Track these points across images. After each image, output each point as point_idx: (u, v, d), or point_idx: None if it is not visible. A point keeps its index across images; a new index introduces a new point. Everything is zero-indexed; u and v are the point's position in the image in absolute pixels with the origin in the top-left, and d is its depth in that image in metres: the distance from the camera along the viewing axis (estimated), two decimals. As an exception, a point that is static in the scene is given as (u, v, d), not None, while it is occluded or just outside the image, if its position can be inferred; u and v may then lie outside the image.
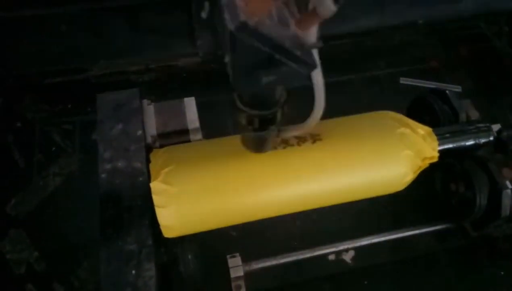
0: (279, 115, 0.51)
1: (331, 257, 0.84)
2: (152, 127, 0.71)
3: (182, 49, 1.04)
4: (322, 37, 0.40)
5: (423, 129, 0.71)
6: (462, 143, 0.75)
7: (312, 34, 0.39)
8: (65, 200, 0.90)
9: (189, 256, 0.69)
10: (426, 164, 0.70)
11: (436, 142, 0.70)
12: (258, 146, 0.60)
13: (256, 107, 0.49)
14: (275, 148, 0.65)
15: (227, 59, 0.41)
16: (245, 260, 0.73)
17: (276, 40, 0.36)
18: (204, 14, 0.41)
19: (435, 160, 0.71)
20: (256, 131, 0.53)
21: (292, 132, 0.59)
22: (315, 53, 0.41)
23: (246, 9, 0.35)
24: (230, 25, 0.35)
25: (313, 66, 0.40)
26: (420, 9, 1.09)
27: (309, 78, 0.47)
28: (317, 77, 0.47)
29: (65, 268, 0.82)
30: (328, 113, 0.58)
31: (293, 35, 0.38)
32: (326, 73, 0.55)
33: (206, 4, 0.42)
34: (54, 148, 0.96)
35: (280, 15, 0.37)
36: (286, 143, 0.66)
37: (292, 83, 0.43)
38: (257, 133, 0.54)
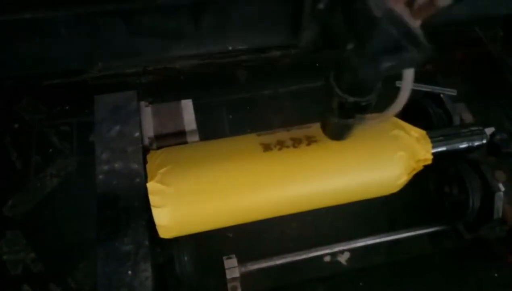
0: (372, 103, 0.53)
1: (327, 258, 0.85)
2: (149, 129, 0.72)
3: (180, 52, 1.05)
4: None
5: (416, 132, 0.71)
6: (456, 146, 0.75)
7: (419, 24, 0.42)
8: (62, 201, 0.90)
9: (185, 257, 0.69)
10: (420, 166, 0.71)
11: (430, 145, 0.71)
12: (341, 133, 0.61)
13: (355, 94, 0.51)
14: (270, 149, 0.66)
15: (348, 46, 0.45)
16: (241, 261, 0.73)
17: (408, 27, 0.40)
18: (322, 5, 0.45)
19: (429, 162, 0.72)
20: (345, 118, 0.56)
21: (372, 121, 0.59)
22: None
23: None
24: (377, 11, 0.39)
25: (430, 51, 0.43)
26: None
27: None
28: (410, 70, 0.49)
29: (61, 269, 0.82)
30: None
31: (414, 24, 0.41)
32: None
33: None
34: (51, 149, 0.97)
35: (406, 5, 0.41)
36: (281, 145, 0.67)
37: (407, 68, 0.47)
38: (343, 120, 0.56)
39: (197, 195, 0.62)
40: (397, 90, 0.51)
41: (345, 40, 0.46)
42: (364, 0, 0.40)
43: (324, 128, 0.63)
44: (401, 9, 0.40)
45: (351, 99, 0.52)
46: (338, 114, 0.56)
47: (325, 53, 0.49)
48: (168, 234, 0.63)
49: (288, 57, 1.13)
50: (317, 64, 1.10)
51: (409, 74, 0.49)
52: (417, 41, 0.41)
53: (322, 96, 0.56)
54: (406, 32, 0.41)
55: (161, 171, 0.62)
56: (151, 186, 0.61)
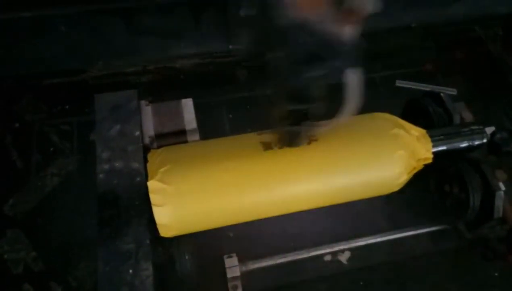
0: (315, 110, 0.53)
1: (327, 257, 0.85)
2: (149, 128, 0.72)
3: (180, 51, 1.05)
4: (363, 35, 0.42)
5: (417, 131, 0.71)
6: (456, 145, 0.75)
7: (351, 31, 0.41)
8: (63, 200, 0.90)
9: (186, 256, 0.69)
10: (420, 165, 0.71)
11: (430, 144, 0.71)
12: (291, 140, 0.61)
13: (294, 102, 0.51)
14: (271, 148, 0.66)
15: (270, 55, 0.44)
16: (242, 260, 0.73)
17: (322, 37, 0.39)
18: (243, 12, 0.44)
19: (429, 161, 0.72)
20: (291, 126, 0.55)
21: (323, 127, 0.59)
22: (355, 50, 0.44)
23: (297, 6, 0.37)
24: (282, 20, 0.37)
25: (354, 63, 0.42)
26: (414, 13, 1.10)
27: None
28: (351, 74, 0.48)
29: (62, 268, 0.82)
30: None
31: (336, 32, 0.40)
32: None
33: (246, 2, 0.44)
34: (52, 149, 0.97)
35: (325, 12, 0.40)
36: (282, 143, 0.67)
37: (332, 79, 0.46)
38: (291, 128, 0.56)
39: (198, 193, 0.62)
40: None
41: (272, 48, 0.44)
42: (272, 10, 0.39)
43: (278, 137, 0.63)
44: (316, 17, 0.38)
45: (292, 106, 0.51)
46: (285, 122, 0.55)
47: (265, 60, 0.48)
48: (168, 233, 0.63)
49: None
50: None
51: (352, 78, 0.48)
52: (335, 50, 0.40)
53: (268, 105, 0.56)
54: (322, 41, 0.39)
55: (162, 169, 0.62)
56: (151, 184, 0.61)
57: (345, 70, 0.44)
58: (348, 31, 0.40)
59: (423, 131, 0.72)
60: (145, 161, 0.66)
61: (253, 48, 0.50)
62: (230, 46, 1.03)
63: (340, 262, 0.85)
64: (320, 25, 0.38)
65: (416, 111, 0.84)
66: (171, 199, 0.61)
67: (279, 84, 0.50)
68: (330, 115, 0.55)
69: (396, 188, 0.70)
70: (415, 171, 0.71)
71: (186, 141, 0.72)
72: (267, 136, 0.67)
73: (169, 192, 0.61)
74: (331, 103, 0.53)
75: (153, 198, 0.61)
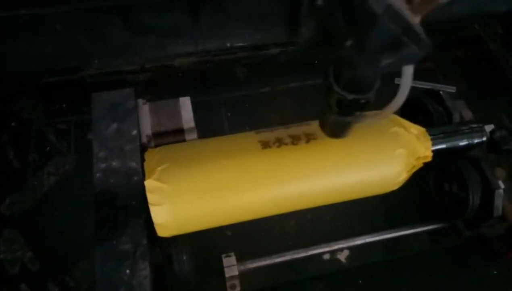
0: (371, 101, 0.53)
1: (326, 256, 0.85)
2: (147, 126, 0.71)
3: (178, 49, 1.04)
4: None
5: (416, 129, 0.71)
6: (456, 143, 0.75)
7: (418, 20, 0.41)
8: (60, 199, 0.90)
9: (184, 256, 0.69)
10: (420, 163, 0.71)
11: (430, 142, 0.71)
12: (340, 130, 0.61)
13: (355, 91, 0.51)
14: (269, 146, 0.65)
15: (348, 43, 0.44)
16: (240, 259, 0.73)
17: (409, 23, 0.40)
18: (320, 1, 0.45)
19: (429, 159, 0.71)
20: (344, 116, 0.55)
21: (371, 118, 0.58)
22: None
23: None
24: (377, 7, 0.38)
25: (429, 48, 0.42)
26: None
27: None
28: (410, 67, 0.48)
29: (59, 268, 0.82)
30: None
31: (414, 20, 0.41)
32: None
33: None
34: (49, 148, 0.96)
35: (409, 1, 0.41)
36: (280, 142, 0.66)
37: (405, 65, 0.47)
38: (342, 118, 0.56)
39: (195, 193, 0.62)
40: (395, 87, 0.51)
41: (344, 37, 0.45)
42: None
43: (323, 126, 0.63)
44: (401, 5, 0.40)
45: (350, 96, 0.52)
46: (336, 112, 0.55)
47: (324, 50, 0.48)
48: (166, 233, 0.63)
49: (287, 55, 1.13)
50: (316, 62, 1.10)
51: (408, 71, 0.48)
52: (417, 37, 0.41)
53: (322, 94, 0.56)
54: (406, 29, 0.40)
55: (159, 168, 0.62)
56: (149, 183, 0.61)
57: (416, 60, 0.44)
58: (422, 20, 0.42)
59: (423, 129, 0.72)
60: (143, 160, 0.65)
61: (317, 38, 0.50)
62: (228, 44, 1.03)
63: (338, 260, 0.85)
64: (404, 13, 0.40)
65: (416, 110, 0.84)
66: (168, 198, 0.61)
67: (342, 73, 0.50)
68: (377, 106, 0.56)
69: (395, 187, 0.70)
70: (414, 169, 0.71)
71: (184, 140, 0.72)
72: (265, 135, 0.67)
73: (167, 191, 0.60)
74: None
75: (150, 197, 0.60)
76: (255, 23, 1.02)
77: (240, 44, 1.06)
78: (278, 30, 1.03)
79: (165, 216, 0.61)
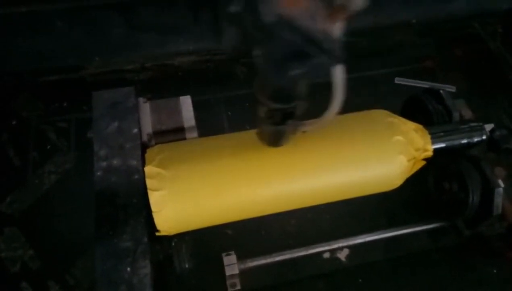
0: (298, 109, 0.52)
1: (326, 255, 0.85)
2: (147, 125, 0.71)
3: (179, 48, 1.04)
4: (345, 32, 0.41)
5: (413, 124, 0.71)
6: (455, 142, 0.75)
7: (338, 28, 0.40)
8: (60, 198, 0.89)
9: (184, 254, 0.69)
10: (420, 155, 0.71)
11: (428, 136, 0.71)
12: (275, 139, 0.61)
13: (278, 101, 0.50)
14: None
15: (256, 52, 0.43)
16: (240, 258, 0.73)
17: (308, 33, 0.38)
18: (232, 8, 0.43)
19: (429, 153, 0.72)
20: (275, 125, 0.54)
21: (308, 126, 0.59)
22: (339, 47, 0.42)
23: (281, 2, 0.36)
24: (267, 17, 0.36)
25: (340, 60, 0.41)
26: (414, 9, 1.10)
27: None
28: (338, 71, 0.48)
29: (60, 266, 0.81)
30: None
31: (321, 28, 0.39)
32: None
33: None
34: (49, 146, 0.96)
35: (310, 9, 0.39)
36: None
37: (318, 76, 0.44)
38: (275, 127, 0.55)
39: (195, 179, 0.62)
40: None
41: (255, 45, 0.43)
42: (256, 6, 0.37)
43: (260, 136, 0.62)
44: (301, 14, 0.37)
45: (275, 106, 0.51)
46: (269, 121, 0.54)
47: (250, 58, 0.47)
48: (165, 224, 0.62)
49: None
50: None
51: (337, 77, 0.47)
52: (321, 47, 0.39)
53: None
54: (307, 38, 0.38)
55: (160, 156, 0.63)
56: (148, 169, 0.61)
57: (331, 68, 0.43)
58: (335, 28, 0.40)
59: (420, 125, 0.72)
60: (143, 158, 0.65)
61: (240, 45, 0.49)
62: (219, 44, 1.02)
63: (338, 259, 0.85)
64: (306, 22, 0.38)
65: (416, 109, 0.84)
66: (167, 183, 0.61)
67: (263, 82, 0.50)
68: (314, 114, 0.55)
69: (398, 179, 0.70)
70: (415, 161, 0.71)
71: (184, 139, 0.72)
72: None
73: (166, 177, 0.60)
74: (313, 102, 0.53)
75: (149, 182, 0.60)
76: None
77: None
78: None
79: (164, 201, 0.60)
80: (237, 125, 1.00)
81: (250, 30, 0.42)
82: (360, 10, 0.36)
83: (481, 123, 0.78)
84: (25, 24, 0.92)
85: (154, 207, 0.60)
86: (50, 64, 1.01)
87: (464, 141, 0.76)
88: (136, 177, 0.63)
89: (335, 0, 0.37)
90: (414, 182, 0.74)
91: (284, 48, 0.39)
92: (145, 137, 0.70)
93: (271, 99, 0.50)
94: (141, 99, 0.73)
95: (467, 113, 0.82)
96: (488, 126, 0.79)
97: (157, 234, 0.63)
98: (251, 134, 0.68)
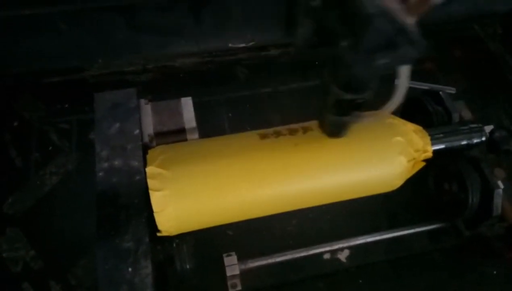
0: (368, 101, 0.53)
1: (326, 256, 0.85)
2: (149, 126, 0.72)
3: (180, 49, 1.05)
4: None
5: (412, 125, 0.72)
6: (455, 143, 0.76)
7: (413, 21, 0.42)
8: (62, 198, 0.90)
9: (186, 254, 0.69)
10: (420, 156, 0.71)
11: (428, 138, 0.72)
12: (338, 130, 0.62)
13: (351, 91, 0.51)
14: (267, 137, 0.66)
15: (342, 44, 0.45)
16: (241, 258, 0.73)
17: (401, 24, 0.40)
18: (315, 2, 0.45)
19: (429, 154, 0.72)
20: (341, 115, 0.56)
21: (367, 118, 0.59)
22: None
23: None
24: (369, 8, 0.39)
25: (424, 48, 0.43)
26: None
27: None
28: (405, 66, 0.49)
29: (61, 267, 0.82)
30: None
31: (407, 21, 0.41)
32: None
33: None
34: (51, 147, 0.97)
35: (398, 1, 0.41)
36: (278, 133, 0.68)
37: (401, 65, 0.47)
38: (339, 118, 0.56)
39: (196, 180, 0.62)
40: (393, 87, 0.51)
41: (340, 37, 0.46)
42: None
43: (322, 126, 0.63)
44: (395, 6, 0.40)
45: (347, 96, 0.52)
46: (334, 111, 0.56)
47: (320, 50, 0.48)
48: (166, 224, 0.62)
49: (287, 55, 1.13)
50: (316, 62, 1.10)
51: (405, 71, 0.49)
52: (411, 38, 0.41)
53: (320, 94, 0.57)
54: (400, 29, 0.40)
55: (161, 157, 0.63)
56: (150, 170, 0.62)
57: (413, 60, 0.45)
58: (412, 21, 0.42)
59: (420, 127, 0.73)
60: (145, 159, 0.66)
61: (312, 38, 0.50)
62: (230, 45, 1.03)
63: (339, 260, 0.85)
64: (398, 14, 0.40)
65: (416, 110, 0.84)
66: (169, 184, 0.61)
67: (339, 73, 0.51)
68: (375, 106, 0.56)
69: (398, 180, 0.70)
70: (415, 162, 0.71)
71: (185, 140, 0.72)
72: (266, 134, 0.68)
73: (167, 177, 0.61)
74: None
75: (151, 183, 0.61)
76: (253, 23, 1.03)
77: (242, 44, 1.06)
78: (274, 31, 1.03)
79: (165, 203, 0.61)
80: (237, 127, 1.00)
81: (331, 23, 0.44)
82: (440, 3, 0.39)
83: (480, 125, 0.78)
84: (28, 26, 0.92)
85: (155, 207, 0.61)
86: (52, 66, 1.01)
87: (464, 142, 0.76)
88: (137, 177, 0.64)
89: None
90: (414, 182, 0.75)
91: (376, 38, 0.41)
92: (146, 139, 0.70)
93: (344, 90, 0.51)
94: (142, 101, 0.74)
95: (467, 115, 0.83)
96: (488, 128, 0.79)
97: (158, 234, 0.64)
98: (252, 135, 0.69)
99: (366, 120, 0.59)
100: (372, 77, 0.51)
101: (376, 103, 0.56)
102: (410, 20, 0.41)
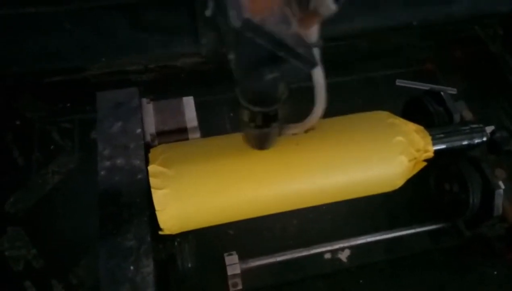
0: (280, 112, 0.52)
1: (327, 255, 0.85)
2: (151, 125, 0.72)
3: (183, 49, 1.05)
4: (322, 37, 0.41)
5: (414, 125, 0.72)
6: (456, 143, 0.76)
7: (313, 33, 0.40)
8: (64, 197, 0.90)
9: (187, 254, 0.70)
10: (421, 156, 0.71)
11: (429, 137, 0.72)
12: (260, 142, 0.61)
13: (258, 104, 0.50)
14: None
15: (230, 56, 0.42)
16: (242, 258, 0.74)
17: (278, 38, 0.37)
18: (208, 12, 0.42)
19: (430, 154, 0.72)
20: (258, 128, 0.54)
21: (293, 130, 0.59)
22: (316, 52, 0.43)
23: (250, 7, 0.35)
24: (235, 22, 0.35)
25: (314, 64, 0.41)
26: (414, 11, 1.10)
27: (310, 77, 0.48)
28: (318, 76, 0.48)
29: (63, 266, 0.82)
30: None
31: (294, 33, 0.39)
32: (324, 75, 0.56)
33: (210, 2, 0.43)
34: (53, 146, 0.97)
35: (282, 14, 0.38)
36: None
37: (293, 80, 0.44)
38: (259, 130, 0.55)
39: (197, 178, 0.63)
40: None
41: (228, 50, 0.43)
42: (225, 11, 0.37)
43: (246, 139, 0.62)
44: (273, 18, 0.37)
45: (256, 109, 0.51)
46: (253, 125, 0.54)
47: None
48: (168, 222, 0.63)
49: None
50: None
51: (318, 81, 0.47)
52: (292, 52, 0.38)
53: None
54: (278, 43, 0.37)
55: (163, 156, 0.63)
56: (152, 168, 0.62)
57: (306, 71, 0.43)
58: (310, 33, 0.40)
59: (421, 127, 0.73)
60: (147, 158, 0.66)
61: (218, 48, 0.49)
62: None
63: (340, 260, 0.85)
64: (278, 27, 0.37)
65: (417, 111, 0.84)
66: (170, 182, 0.61)
67: (241, 86, 0.50)
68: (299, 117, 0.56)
69: (399, 179, 0.70)
70: (416, 162, 0.71)
71: (187, 139, 0.72)
72: None
73: (169, 175, 0.61)
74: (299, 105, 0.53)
75: (153, 181, 0.61)
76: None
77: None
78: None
79: (167, 201, 0.61)
80: (239, 126, 1.00)
81: (224, 34, 0.42)
82: (331, 15, 0.36)
83: (481, 125, 0.78)
84: (31, 25, 0.93)
85: (157, 205, 0.61)
86: (55, 65, 1.01)
87: (465, 142, 0.77)
88: (139, 176, 0.64)
89: (311, 5, 0.37)
90: (415, 183, 0.75)
91: (256, 52, 0.39)
92: (148, 138, 0.70)
93: (251, 103, 0.50)
94: (144, 100, 0.74)
95: (468, 115, 0.83)
96: (489, 128, 0.79)
97: (160, 233, 0.64)
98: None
99: (291, 132, 0.59)
100: (273, 90, 0.48)
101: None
102: (309, 32, 0.39)
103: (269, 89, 0.48)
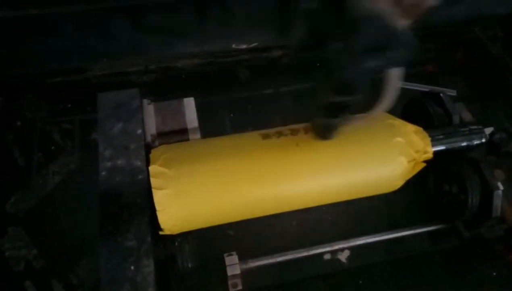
0: (358, 103, 0.53)
1: (327, 256, 0.85)
2: (151, 126, 0.72)
3: (184, 50, 1.05)
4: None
5: (413, 126, 0.72)
6: (455, 144, 0.76)
7: (407, 24, 0.42)
8: (64, 198, 0.90)
9: (187, 254, 0.70)
10: (420, 157, 0.71)
11: (429, 139, 0.72)
12: (329, 132, 0.62)
13: (340, 94, 0.52)
14: (269, 137, 0.67)
15: (331, 46, 0.45)
16: (242, 258, 0.74)
17: (391, 26, 0.40)
18: (305, 5, 0.46)
19: (430, 155, 0.72)
20: (330, 117, 0.56)
21: (357, 121, 0.60)
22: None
23: None
24: (357, 11, 0.39)
25: (415, 50, 0.43)
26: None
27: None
28: (395, 69, 0.50)
29: (63, 266, 0.82)
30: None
31: (398, 24, 0.42)
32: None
33: None
34: (53, 147, 0.97)
35: (391, 4, 0.41)
36: (280, 133, 0.68)
37: (393, 67, 0.48)
38: (329, 120, 0.57)
39: (198, 178, 0.63)
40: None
41: (331, 39, 0.46)
42: (345, 0, 0.40)
43: (313, 128, 0.64)
44: (386, 9, 0.40)
45: (338, 98, 0.52)
46: (325, 113, 0.56)
47: (315, 53, 0.49)
48: (168, 222, 0.63)
49: (289, 57, 1.14)
50: (318, 64, 1.11)
51: (395, 73, 0.49)
52: (400, 40, 0.42)
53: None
54: (389, 32, 0.41)
55: (164, 156, 0.64)
56: (153, 169, 0.62)
57: (402, 63, 0.46)
58: (408, 24, 0.42)
59: (420, 128, 0.73)
60: (147, 159, 0.66)
61: (307, 40, 0.51)
62: (234, 46, 1.04)
63: (339, 260, 0.86)
64: (388, 17, 0.40)
65: (416, 112, 0.85)
66: (171, 182, 0.62)
67: (329, 75, 0.51)
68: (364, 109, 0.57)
69: (398, 180, 0.70)
70: (415, 163, 0.71)
71: (187, 140, 0.73)
72: (268, 134, 0.68)
73: (170, 176, 0.61)
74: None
75: (153, 181, 0.61)
76: (256, 25, 1.03)
77: (244, 46, 1.06)
78: (269, 32, 1.03)
79: (167, 201, 0.61)
80: (239, 127, 1.01)
81: (323, 25, 0.45)
82: (434, 7, 0.40)
83: (480, 126, 0.78)
84: (33, 26, 0.93)
85: (158, 205, 0.61)
86: (57, 66, 1.02)
87: (464, 144, 0.77)
88: (140, 177, 0.64)
89: None
90: (414, 184, 0.75)
91: (365, 41, 0.42)
92: (149, 138, 0.71)
93: (335, 92, 0.51)
94: (145, 101, 0.74)
95: (467, 116, 0.83)
96: (488, 130, 0.79)
97: (160, 233, 0.64)
98: (254, 135, 0.69)
99: (355, 123, 0.60)
100: (363, 79, 0.50)
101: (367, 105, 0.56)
102: (403, 23, 0.42)
103: (363, 78, 0.49)
